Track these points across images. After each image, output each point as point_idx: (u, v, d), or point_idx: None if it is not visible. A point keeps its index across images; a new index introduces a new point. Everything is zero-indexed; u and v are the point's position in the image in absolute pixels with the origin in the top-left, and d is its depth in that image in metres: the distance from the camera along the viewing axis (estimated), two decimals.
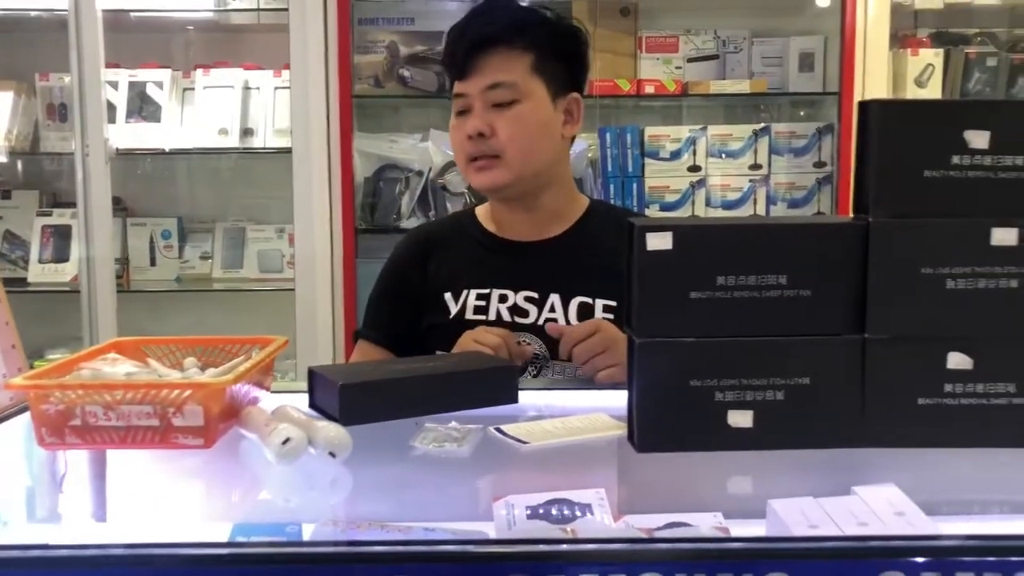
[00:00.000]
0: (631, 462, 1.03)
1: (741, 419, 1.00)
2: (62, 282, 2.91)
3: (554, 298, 1.51)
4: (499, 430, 1.09)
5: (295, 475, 0.97)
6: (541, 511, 0.94)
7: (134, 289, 2.99)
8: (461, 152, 1.53)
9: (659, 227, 0.97)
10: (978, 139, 0.97)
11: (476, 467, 1.04)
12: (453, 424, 1.10)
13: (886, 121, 0.97)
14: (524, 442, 1.06)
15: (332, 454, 0.95)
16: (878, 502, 0.96)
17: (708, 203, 2.84)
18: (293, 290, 2.76)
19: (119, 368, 1.14)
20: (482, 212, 1.65)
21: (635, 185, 2.83)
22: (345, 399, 1.10)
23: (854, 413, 1.00)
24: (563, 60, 1.54)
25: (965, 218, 0.98)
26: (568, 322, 1.49)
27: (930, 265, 0.98)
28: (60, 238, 2.96)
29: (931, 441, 1.01)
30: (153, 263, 3.03)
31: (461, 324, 1.49)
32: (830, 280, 0.99)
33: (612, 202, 2.76)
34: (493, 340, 1.36)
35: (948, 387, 1.00)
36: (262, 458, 0.98)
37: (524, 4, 1.64)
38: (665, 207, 2.84)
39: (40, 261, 2.95)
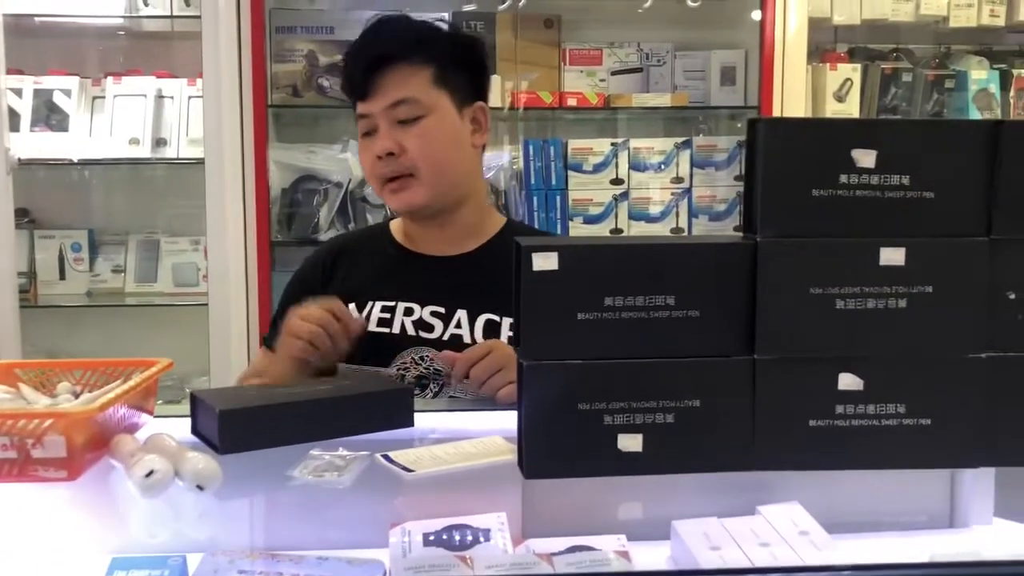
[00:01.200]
0: (530, 485, 0.99)
1: (631, 443, 0.98)
2: None
3: (461, 314, 1.48)
4: (386, 457, 1.05)
5: (162, 507, 0.92)
6: (439, 537, 0.91)
7: (42, 304, 2.88)
8: (373, 174, 1.50)
9: (544, 247, 0.94)
10: (865, 158, 0.96)
11: (368, 495, 1.00)
12: (340, 451, 1.05)
13: (774, 139, 0.96)
14: (410, 470, 1.02)
15: (200, 487, 0.90)
16: (782, 521, 0.95)
17: (631, 216, 2.84)
18: (207, 304, 2.68)
19: None
20: (396, 227, 1.63)
21: (558, 198, 2.81)
22: (224, 426, 1.05)
23: (745, 436, 0.98)
24: (465, 70, 1.52)
25: (853, 237, 0.97)
26: (473, 338, 1.47)
27: (819, 285, 0.96)
28: None
29: (823, 464, 0.99)
30: (63, 277, 2.92)
31: (364, 336, 1.46)
32: (719, 301, 0.97)
33: (534, 215, 2.75)
34: (308, 329, 1.33)
35: (839, 408, 0.99)
36: (131, 490, 0.93)
37: (420, 18, 1.60)
38: (588, 220, 2.82)
39: None
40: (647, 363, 0.96)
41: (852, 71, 2.83)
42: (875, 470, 1.00)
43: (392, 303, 1.50)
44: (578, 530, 0.92)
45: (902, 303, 0.97)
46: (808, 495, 0.93)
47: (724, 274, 0.96)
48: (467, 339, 1.46)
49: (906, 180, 0.97)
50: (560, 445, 0.97)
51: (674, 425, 0.97)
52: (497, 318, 1.47)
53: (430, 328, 1.48)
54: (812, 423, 0.99)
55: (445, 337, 1.47)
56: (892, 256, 0.97)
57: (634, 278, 0.95)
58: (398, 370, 1.46)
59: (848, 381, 0.98)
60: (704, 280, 0.96)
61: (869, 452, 0.99)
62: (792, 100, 2.70)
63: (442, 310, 1.49)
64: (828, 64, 2.83)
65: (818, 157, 0.96)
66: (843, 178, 0.96)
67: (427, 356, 1.46)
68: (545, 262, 0.94)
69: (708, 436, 0.98)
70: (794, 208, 0.96)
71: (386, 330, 1.48)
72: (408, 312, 1.49)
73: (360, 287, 1.53)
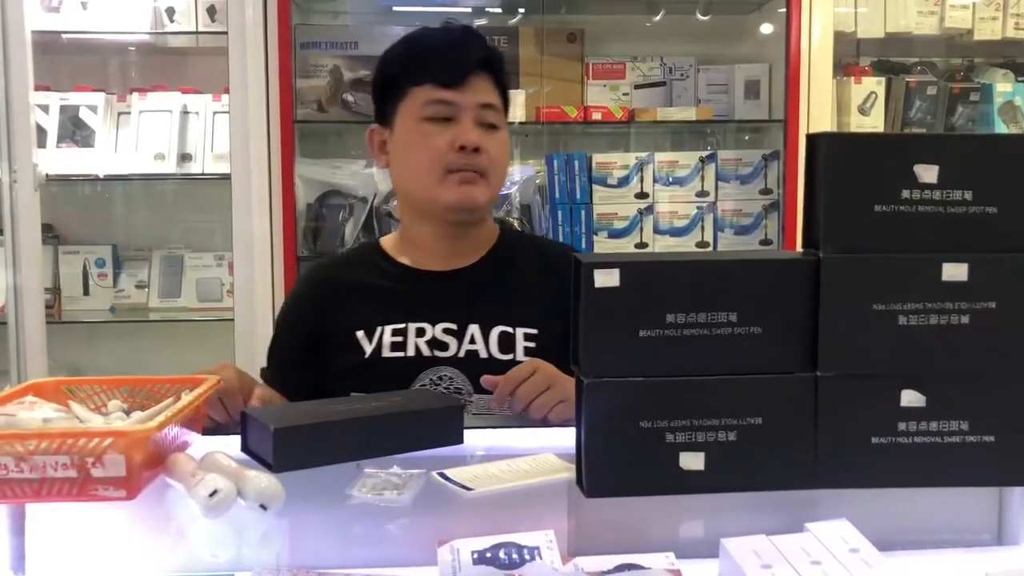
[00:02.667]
0: (581, 502, 0.98)
1: (693, 461, 0.97)
2: None
3: (473, 328, 1.46)
4: (443, 475, 1.04)
5: (224, 527, 0.92)
6: (487, 555, 0.91)
7: (66, 320, 2.88)
8: (441, 160, 1.46)
9: (606, 263, 0.94)
10: (927, 173, 0.95)
11: (418, 513, 0.99)
12: (395, 469, 1.05)
13: (835, 155, 0.95)
14: (469, 488, 1.01)
15: (263, 506, 0.90)
16: (831, 539, 0.94)
17: (656, 230, 2.83)
18: (232, 320, 2.68)
19: (36, 413, 1.07)
20: (389, 244, 1.59)
21: (583, 212, 2.80)
22: (279, 444, 1.04)
23: (807, 453, 0.97)
24: (507, 104, 1.56)
25: (916, 253, 0.96)
26: (489, 352, 1.45)
27: (882, 301, 0.95)
28: None
29: (885, 481, 0.98)
30: (87, 292, 2.92)
31: (378, 363, 1.44)
32: (781, 317, 0.96)
33: (558, 230, 2.74)
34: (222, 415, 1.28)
35: (902, 425, 0.98)
36: (190, 509, 0.92)
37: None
38: (613, 234, 2.82)
39: None
40: (709, 380, 0.95)
41: (876, 84, 2.83)
42: (937, 487, 0.99)
43: (402, 325, 1.47)
44: (627, 548, 0.92)
45: (965, 319, 0.96)
46: (856, 512, 0.92)
47: (787, 290, 0.95)
48: (483, 353, 1.45)
49: (968, 195, 0.96)
50: (621, 463, 0.96)
51: (736, 443, 0.96)
52: (511, 329, 1.46)
53: (444, 346, 1.46)
54: (875, 440, 0.98)
55: (461, 354, 1.45)
56: (955, 272, 0.96)
57: (696, 294, 0.94)
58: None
59: (911, 398, 0.98)
60: (767, 296, 0.95)
61: (932, 469, 0.98)
62: (817, 113, 2.69)
63: (454, 326, 1.47)
64: (852, 77, 2.83)
65: (880, 172, 0.95)
66: (905, 193, 0.95)
67: (446, 375, 1.44)
68: (607, 279, 0.94)
69: (770, 454, 0.97)
70: (857, 224, 0.95)
71: (400, 354, 1.45)
72: (420, 333, 1.46)
73: (365, 315, 1.49)
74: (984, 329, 0.96)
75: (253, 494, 0.90)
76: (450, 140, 1.45)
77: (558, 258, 1.53)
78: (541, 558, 0.91)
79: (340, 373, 1.46)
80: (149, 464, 0.98)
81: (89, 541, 0.95)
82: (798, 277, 0.95)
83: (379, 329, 1.47)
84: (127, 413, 1.13)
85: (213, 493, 0.88)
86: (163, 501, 0.99)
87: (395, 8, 2.99)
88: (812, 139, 0.98)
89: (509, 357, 1.44)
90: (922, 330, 0.96)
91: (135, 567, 0.90)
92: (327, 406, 1.16)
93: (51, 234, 2.92)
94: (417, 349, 1.45)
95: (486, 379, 1.37)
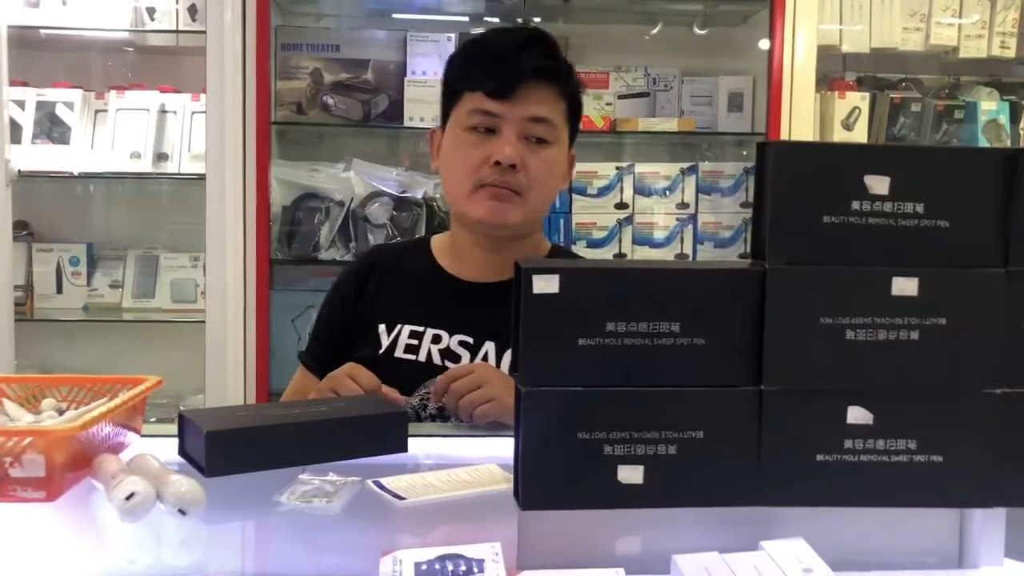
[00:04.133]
0: (526, 516, 0.96)
1: (632, 474, 0.94)
2: None
3: (489, 346, 1.44)
4: (377, 483, 1.01)
5: (143, 532, 0.89)
6: (431, 567, 0.88)
7: (39, 318, 2.85)
8: (473, 174, 1.42)
9: (546, 269, 0.91)
10: (878, 184, 0.93)
11: (350, 524, 0.96)
12: (330, 476, 1.02)
13: (784, 163, 0.93)
14: (402, 497, 0.98)
15: (182, 511, 0.87)
16: (785, 558, 0.92)
17: (635, 241, 2.81)
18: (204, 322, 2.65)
19: None
20: (438, 244, 1.57)
21: (562, 221, 2.78)
22: (211, 448, 1.02)
23: (750, 469, 0.95)
24: (577, 115, 1.51)
25: (865, 266, 0.93)
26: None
27: (829, 315, 0.93)
28: None
29: (830, 499, 0.96)
30: (60, 291, 2.89)
31: (389, 361, 1.42)
32: (725, 329, 0.93)
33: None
34: (369, 383, 1.29)
35: (848, 443, 0.95)
36: (111, 513, 0.89)
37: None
38: (592, 244, 2.80)
39: None
40: (650, 392, 0.93)
41: (860, 100, 2.81)
42: (883, 507, 0.96)
43: (421, 328, 1.45)
44: (575, 562, 0.89)
45: (914, 335, 0.94)
46: (813, 531, 0.90)
47: (731, 301, 0.93)
48: None
49: (920, 208, 0.94)
50: (558, 475, 0.93)
51: (676, 457, 0.93)
52: None
53: (456, 358, 1.43)
54: (820, 457, 0.95)
55: None
56: (905, 286, 0.94)
57: (638, 303, 0.92)
58: (420, 400, 1.42)
59: (857, 415, 0.95)
60: (710, 307, 0.92)
61: (878, 488, 0.96)
62: (800, 127, 2.68)
63: (471, 340, 1.44)
64: (836, 92, 2.82)
65: (829, 182, 0.93)
66: (855, 204, 0.93)
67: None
68: (546, 284, 0.91)
69: (712, 469, 0.94)
70: (804, 234, 0.93)
71: (412, 357, 1.43)
72: (436, 340, 1.44)
73: (390, 308, 1.48)
74: (934, 346, 0.94)
75: (172, 498, 0.87)
76: (487, 154, 1.41)
77: None
78: (485, 571, 0.88)
79: (357, 363, 1.43)
80: (72, 465, 0.95)
81: (6, 543, 0.92)
82: (743, 288, 0.93)
83: (399, 327, 1.46)
84: (61, 413, 1.10)
85: (130, 496, 0.86)
86: (87, 504, 0.96)
87: (377, 10, 2.96)
88: (760, 146, 0.95)
89: None
90: (870, 345, 0.93)
91: (53, 571, 0.87)
92: (266, 410, 1.13)
93: (25, 231, 2.90)
94: (429, 355, 1.43)
95: (438, 378, 1.35)
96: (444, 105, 1.50)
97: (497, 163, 1.40)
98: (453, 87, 1.47)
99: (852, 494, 0.96)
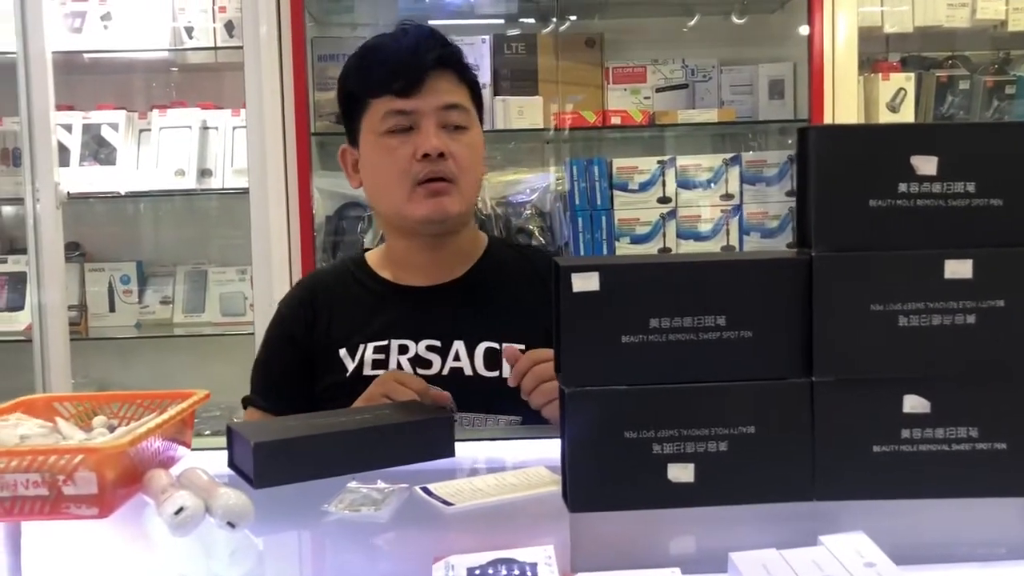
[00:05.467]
0: (579, 517, 0.94)
1: (682, 473, 0.92)
2: (15, 331, 2.82)
3: (458, 345, 1.41)
4: (425, 490, 1.01)
5: (194, 546, 0.89)
6: (484, 572, 0.87)
7: (92, 337, 2.90)
8: (406, 173, 1.40)
9: (585, 267, 0.90)
10: (926, 165, 0.90)
11: (399, 531, 0.96)
12: (378, 484, 1.02)
13: (826, 148, 0.90)
14: (450, 503, 0.97)
15: (231, 524, 0.87)
16: (846, 553, 0.89)
17: (680, 235, 2.78)
18: (253, 334, 2.68)
19: (17, 431, 1.05)
20: (374, 258, 1.54)
21: (604, 218, 2.76)
22: (259, 459, 1.02)
23: (804, 464, 0.93)
24: (479, 98, 1.49)
25: (916, 250, 0.91)
26: (475, 369, 1.40)
27: (880, 301, 0.90)
28: (15, 285, 2.88)
29: (889, 493, 0.93)
30: (112, 309, 2.94)
31: (359, 381, 1.38)
32: (773, 320, 0.91)
33: (579, 236, 2.70)
34: (407, 395, 1.26)
35: (905, 433, 0.92)
36: (162, 528, 0.90)
37: (459, 41, 1.55)
38: (636, 239, 2.77)
39: None
40: (697, 388, 0.91)
41: (906, 80, 2.74)
42: (945, 498, 0.93)
43: (384, 342, 1.42)
44: (630, 563, 0.87)
45: (971, 319, 0.91)
46: (873, 524, 0.87)
47: (778, 292, 0.90)
48: (468, 371, 1.40)
49: (971, 187, 0.90)
50: (606, 476, 0.92)
51: (728, 453, 0.92)
52: (497, 345, 1.40)
53: (428, 364, 1.41)
54: (876, 449, 0.92)
55: (445, 371, 1.40)
56: (958, 269, 0.91)
57: (681, 298, 0.90)
58: None
59: (914, 403, 0.92)
60: (757, 299, 0.90)
61: (939, 479, 0.93)
62: (844, 112, 2.62)
63: (438, 343, 1.42)
64: (880, 74, 2.75)
65: (875, 165, 0.90)
66: (902, 187, 0.90)
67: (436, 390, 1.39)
68: (585, 283, 0.90)
69: (764, 465, 0.92)
70: (851, 220, 0.90)
71: (382, 371, 1.39)
72: (403, 350, 1.41)
73: (348, 331, 1.45)
74: (992, 329, 0.90)
75: (221, 511, 0.87)
76: (412, 150, 1.39)
77: (544, 268, 1.48)
78: (539, 575, 0.87)
79: (323, 391, 1.42)
80: (123, 481, 0.96)
81: (61, 561, 0.93)
82: (790, 278, 0.90)
83: (361, 347, 1.43)
84: (111, 430, 1.11)
85: (179, 510, 0.86)
86: (139, 520, 0.97)
87: (410, 16, 2.97)
88: (802, 132, 0.93)
89: (495, 374, 1.39)
90: (924, 331, 0.90)
91: None
92: (312, 420, 1.13)
93: (78, 252, 2.96)
94: (399, 366, 1.41)
95: (508, 349, 1.33)
96: (349, 121, 1.48)
97: (426, 155, 1.38)
98: (357, 97, 1.44)
99: (912, 486, 0.93)
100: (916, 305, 0.90)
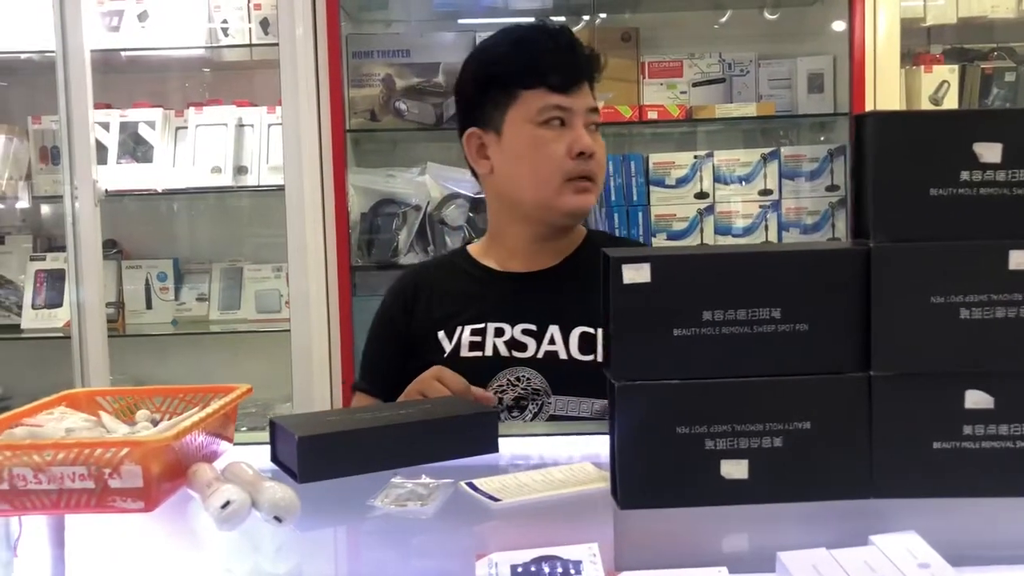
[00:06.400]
0: (624, 515, 0.93)
1: (735, 469, 0.90)
2: (55, 328, 2.84)
3: (553, 329, 1.44)
4: (471, 485, 0.99)
5: (240, 541, 0.88)
6: (527, 569, 0.86)
7: (130, 333, 2.92)
8: (560, 168, 1.44)
9: (635, 258, 0.88)
10: (990, 152, 0.87)
11: (445, 527, 0.94)
12: (423, 479, 1.00)
13: (885, 135, 0.88)
14: (496, 499, 0.96)
15: (278, 518, 0.86)
16: (898, 552, 0.86)
17: (717, 230, 2.74)
18: (289, 331, 2.68)
19: (63, 424, 1.05)
20: (476, 249, 1.59)
21: (640, 214, 2.73)
22: (304, 453, 1.01)
23: (862, 461, 0.90)
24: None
25: (979, 240, 0.88)
26: (569, 353, 1.42)
27: (941, 294, 0.87)
28: (53, 283, 2.90)
29: (949, 490, 0.90)
30: (149, 306, 2.96)
31: (456, 361, 1.42)
32: (830, 312, 0.88)
33: (615, 233, 2.68)
34: (458, 385, 1.29)
35: (967, 429, 0.89)
36: (208, 521, 0.89)
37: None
38: (672, 235, 2.74)
39: (33, 307, 2.90)
40: (751, 382, 0.89)
41: (949, 73, 2.70)
42: (1009, 497, 0.90)
43: (481, 325, 1.46)
44: (675, 562, 0.85)
45: None
46: (925, 524, 0.84)
47: (835, 284, 0.88)
48: (563, 355, 1.43)
49: None
50: (657, 473, 0.90)
51: (782, 450, 0.89)
52: (592, 330, 1.43)
53: (523, 347, 1.44)
54: (936, 446, 0.90)
55: (540, 355, 1.43)
56: (1023, 260, 0.88)
57: (735, 289, 0.88)
58: (495, 393, 1.42)
59: (976, 399, 0.89)
60: (813, 290, 0.88)
61: (1002, 478, 0.90)
62: (885, 105, 2.57)
63: (534, 327, 1.45)
64: (922, 67, 2.70)
65: (935, 153, 0.88)
66: (965, 175, 0.87)
67: (523, 376, 1.42)
68: (637, 274, 0.88)
69: (820, 461, 0.90)
70: (910, 210, 0.88)
71: (479, 353, 1.44)
72: (499, 333, 1.45)
73: (446, 315, 1.50)
74: None
75: (268, 505, 0.86)
76: (567, 146, 1.44)
77: None
78: (582, 573, 0.86)
79: (422, 370, 1.43)
80: (168, 475, 0.95)
81: (107, 554, 0.92)
82: (847, 269, 0.88)
83: (459, 329, 1.47)
84: (155, 424, 1.11)
85: (225, 504, 0.85)
86: (184, 513, 0.97)
87: (445, 13, 2.96)
88: (859, 119, 0.90)
89: (590, 358, 1.42)
90: (987, 324, 0.87)
91: None
92: (356, 414, 1.12)
93: (115, 249, 2.97)
94: (495, 349, 1.44)
95: None
96: (486, 105, 1.49)
97: (580, 153, 1.43)
98: (505, 84, 1.47)
99: (973, 484, 0.90)
100: (979, 297, 0.88)
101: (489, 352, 1.44)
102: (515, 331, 1.45)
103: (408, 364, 1.49)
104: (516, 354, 1.43)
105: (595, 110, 1.48)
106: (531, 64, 1.46)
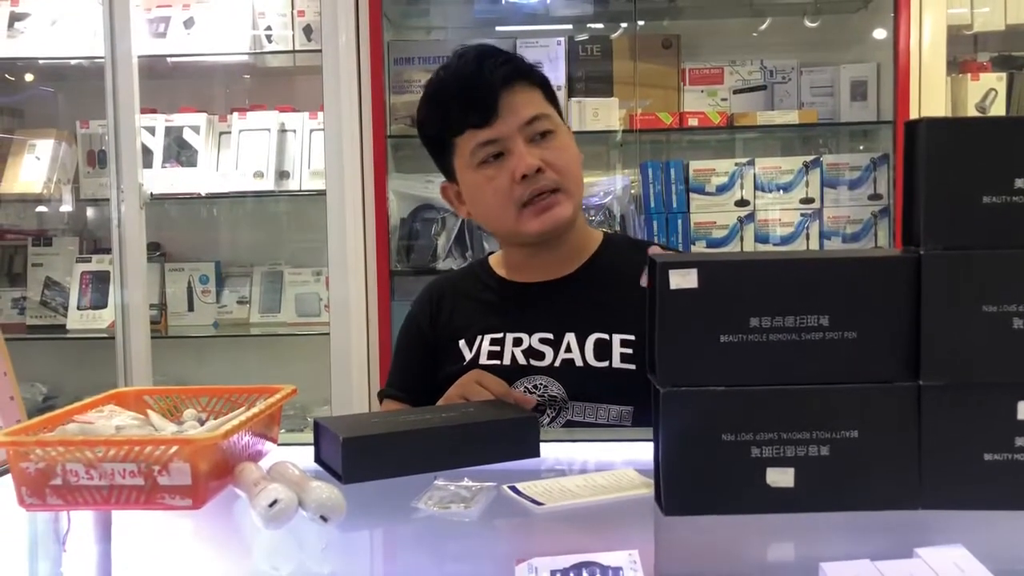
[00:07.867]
0: (665, 522, 0.92)
1: (781, 478, 0.89)
2: (100, 328, 2.89)
3: (569, 337, 1.44)
4: (514, 488, 0.99)
5: (286, 539, 0.89)
6: (567, 575, 0.86)
7: (172, 335, 2.96)
8: (508, 200, 1.43)
9: (683, 263, 0.88)
10: None
11: (488, 530, 0.95)
12: (465, 481, 1.01)
13: (938, 142, 0.87)
14: (539, 503, 0.96)
15: (324, 518, 0.87)
16: (944, 566, 0.85)
17: (757, 238, 2.72)
18: (329, 334, 2.70)
19: (113, 421, 1.07)
20: (495, 260, 1.61)
21: (680, 221, 2.72)
22: (348, 455, 1.02)
23: (910, 471, 0.89)
24: (552, 94, 1.51)
25: None
26: (585, 360, 1.42)
27: (993, 303, 0.86)
28: (99, 284, 2.96)
29: (1001, 503, 0.89)
30: (191, 308, 3.00)
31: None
32: (879, 321, 0.88)
33: (654, 240, 2.67)
34: (498, 388, 1.30)
35: (1020, 441, 0.88)
36: (254, 520, 0.90)
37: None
38: (712, 243, 2.73)
39: (79, 308, 2.95)
40: (799, 390, 0.88)
41: (996, 81, 2.66)
42: None
43: (500, 335, 1.48)
44: (716, 570, 0.85)
45: None
46: (971, 537, 0.83)
47: (884, 291, 0.87)
48: (578, 362, 1.43)
49: None
50: (702, 480, 0.90)
51: (829, 459, 0.88)
52: (607, 336, 1.43)
53: (540, 356, 1.45)
54: (988, 457, 0.88)
55: (556, 363, 1.44)
56: None
57: (783, 296, 0.87)
58: None
59: None
60: (862, 298, 0.87)
61: None
62: (931, 113, 2.54)
63: (550, 336, 1.46)
64: (969, 75, 2.67)
65: (989, 160, 0.87)
66: (1019, 183, 0.86)
67: (541, 383, 1.42)
68: (684, 280, 0.88)
69: (868, 471, 0.89)
70: (962, 217, 0.87)
71: (497, 362, 1.46)
72: (517, 342, 1.47)
73: (467, 324, 1.52)
74: None
75: (314, 505, 0.87)
76: (510, 174, 1.41)
77: None
78: None
79: (443, 379, 1.45)
80: (216, 473, 0.96)
81: (155, 550, 0.94)
82: (897, 276, 0.87)
83: (479, 338, 1.48)
84: (201, 423, 1.12)
85: (273, 503, 0.86)
86: (231, 511, 0.98)
87: (485, 20, 2.97)
88: (911, 126, 0.90)
89: (605, 364, 1.42)
90: None
91: None
92: (399, 417, 1.13)
93: (158, 252, 3.02)
94: (513, 358, 1.45)
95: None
96: (440, 160, 1.52)
97: (524, 176, 1.41)
98: (440, 140, 1.48)
99: None
100: None
101: (507, 361, 1.45)
102: (533, 340, 1.46)
103: (435, 372, 1.51)
104: (534, 362, 1.44)
105: (535, 119, 1.42)
106: (445, 115, 1.44)
